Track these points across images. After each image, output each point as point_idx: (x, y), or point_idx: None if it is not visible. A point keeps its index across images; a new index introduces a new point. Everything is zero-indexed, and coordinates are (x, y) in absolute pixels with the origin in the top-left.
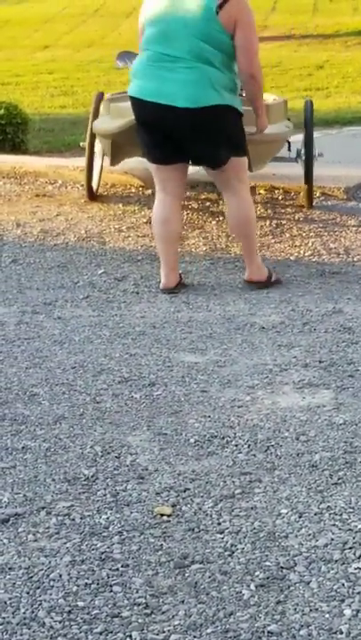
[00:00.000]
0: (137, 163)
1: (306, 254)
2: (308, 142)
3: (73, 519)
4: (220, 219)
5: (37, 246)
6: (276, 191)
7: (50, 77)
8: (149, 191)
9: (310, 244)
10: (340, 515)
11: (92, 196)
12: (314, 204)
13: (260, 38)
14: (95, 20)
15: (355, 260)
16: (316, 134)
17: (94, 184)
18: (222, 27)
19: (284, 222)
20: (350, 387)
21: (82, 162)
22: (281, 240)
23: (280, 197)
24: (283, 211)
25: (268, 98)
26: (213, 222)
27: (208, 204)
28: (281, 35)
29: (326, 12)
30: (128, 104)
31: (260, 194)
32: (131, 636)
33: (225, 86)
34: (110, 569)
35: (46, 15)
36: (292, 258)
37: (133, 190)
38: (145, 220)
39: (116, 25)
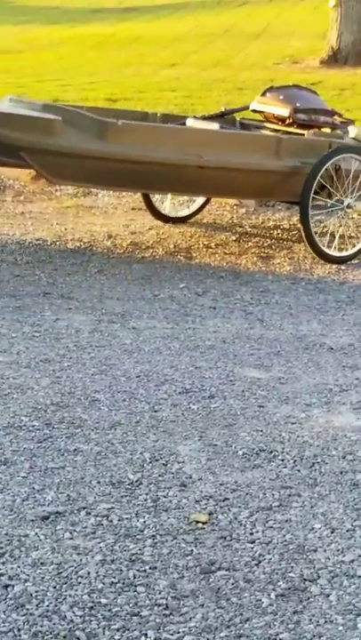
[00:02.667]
0: None
1: None
2: None
3: (111, 520)
4: None
5: (125, 258)
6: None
7: (172, 95)
8: (243, 210)
9: None
10: None
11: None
12: None
13: None
14: (224, 40)
15: None
16: None
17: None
18: None
19: None
20: None
21: None
22: None
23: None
24: None
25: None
26: (301, 244)
27: (300, 225)
28: None
29: None
30: None
31: (353, 218)
32: (146, 635)
33: None
34: (138, 570)
35: (176, 33)
36: None
37: (228, 208)
38: (234, 239)
39: (244, 46)
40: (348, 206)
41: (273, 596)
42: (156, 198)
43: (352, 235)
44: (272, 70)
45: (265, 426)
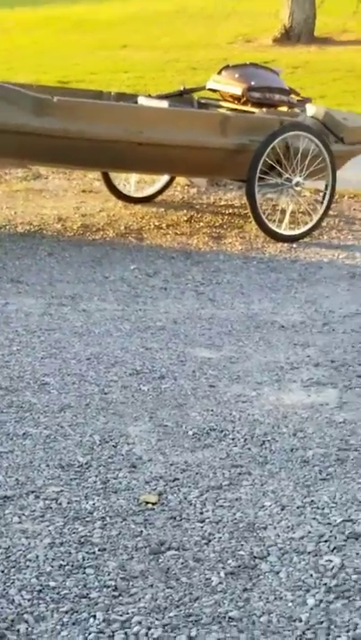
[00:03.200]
0: None
1: (340, 256)
2: None
3: (60, 504)
4: None
5: (75, 241)
6: (320, 194)
7: (125, 76)
8: (194, 190)
9: (347, 247)
10: (322, 509)
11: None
12: (358, 207)
13: (339, 42)
14: (178, 20)
15: None
16: None
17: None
18: None
19: (323, 224)
20: (357, 387)
21: None
22: (318, 242)
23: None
24: None
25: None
26: (253, 222)
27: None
28: (360, 39)
29: None
30: None
31: (304, 196)
32: (95, 617)
33: None
34: (87, 552)
35: (129, 14)
36: (325, 259)
37: (179, 189)
38: (186, 219)
39: (198, 25)
40: (297, 184)
41: (223, 574)
42: (120, 179)
43: (304, 213)
44: (226, 50)
45: (215, 405)
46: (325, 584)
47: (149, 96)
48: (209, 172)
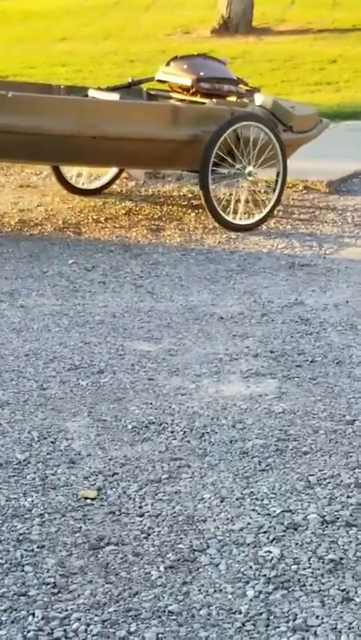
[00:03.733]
0: None
1: (279, 246)
2: None
3: None
4: (199, 211)
5: (13, 236)
6: (258, 184)
7: (63, 70)
8: (133, 183)
9: (285, 237)
10: (262, 500)
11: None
12: (296, 197)
13: (277, 32)
14: (115, 13)
15: (326, 252)
16: None
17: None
18: None
19: None
20: (296, 376)
21: None
22: (257, 233)
23: (262, 190)
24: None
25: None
26: (192, 214)
27: (190, 196)
28: (298, 28)
29: (346, 6)
30: None
31: (242, 186)
32: (34, 614)
33: None
34: (25, 549)
35: (67, 7)
36: (264, 250)
37: (117, 182)
38: (124, 212)
39: (135, 17)
40: (250, 174)
41: (162, 568)
42: (71, 173)
43: (257, 202)
44: (163, 41)
45: (155, 398)
46: (265, 575)
47: (99, 89)
48: (162, 164)
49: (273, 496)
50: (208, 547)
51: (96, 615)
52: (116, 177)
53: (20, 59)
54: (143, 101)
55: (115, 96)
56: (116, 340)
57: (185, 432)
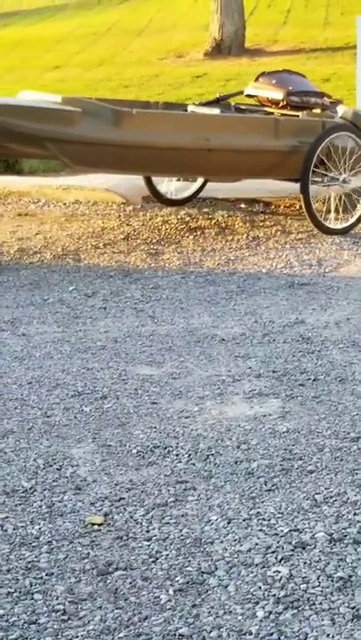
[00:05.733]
0: (119, 180)
1: (278, 266)
2: None
3: (5, 530)
4: (198, 233)
5: (12, 265)
6: (256, 205)
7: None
8: (130, 208)
9: (284, 257)
10: (269, 520)
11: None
12: (293, 216)
13: (269, 53)
14: (107, 39)
15: (326, 270)
16: None
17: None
18: None
19: (260, 235)
20: (299, 395)
21: (65, 180)
22: (256, 253)
23: (260, 211)
24: (261, 224)
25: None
26: (190, 237)
27: (188, 219)
28: (291, 49)
29: (338, 25)
30: None
31: (240, 208)
32: None
33: None
34: (34, 577)
35: (59, 35)
36: (263, 270)
37: (115, 207)
38: (123, 237)
39: (128, 43)
40: (345, 181)
41: (171, 591)
42: (162, 184)
43: (349, 208)
44: (157, 66)
45: (158, 422)
46: (274, 595)
47: (194, 104)
48: (264, 173)
49: (280, 516)
50: (216, 568)
51: None
52: (201, 189)
53: (12, 87)
54: (250, 115)
55: (216, 111)
56: (118, 365)
57: (190, 455)
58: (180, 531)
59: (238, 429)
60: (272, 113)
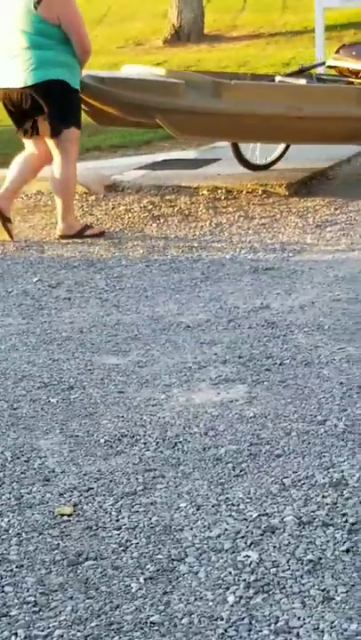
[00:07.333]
0: (81, 170)
1: (242, 252)
2: None
3: None
4: (161, 221)
5: None
6: (218, 191)
7: None
8: (93, 197)
9: (247, 242)
10: (238, 505)
11: None
12: (256, 201)
13: (229, 38)
14: None
15: (289, 255)
16: None
17: None
18: (43, 19)
19: (224, 222)
20: (266, 380)
21: None
22: (219, 239)
23: (223, 197)
24: (224, 210)
25: None
26: (154, 225)
27: (150, 207)
28: (250, 34)
29: (296, 9)
30: None
31: (202, 194)
32: (16, 634)
33: (55, 64)
34: (4, 570)
35: None
36: (227, 256)
37: (77, 197)
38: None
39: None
40: None
41: (142, 580)
42: (247, 150)
43: None
44: (117, 54)
45: (126, 411)
46: (245, 580)
47: (281, 75)
48: (350, 139)
49: (249, 501)
50: (187, 555)
51: (78, 631)
52: (282, 155)
53: None
54: (336, 85)
55: (302, 81)
56: (84, 356)
57: (158, 443)
58: (150, 519)
59: (205, 416)
60: (352, 83)
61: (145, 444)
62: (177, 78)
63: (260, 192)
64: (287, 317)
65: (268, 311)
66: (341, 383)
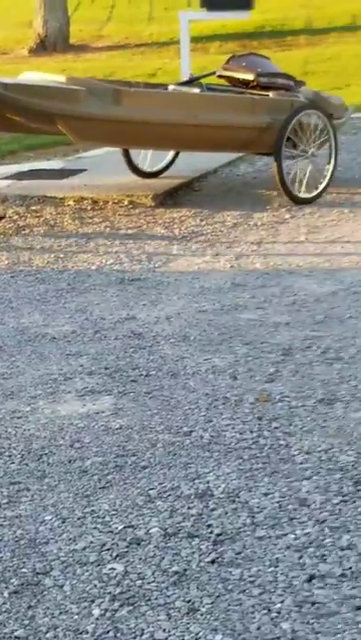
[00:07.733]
0: None
1: (108, 263)
2: None
3: None
4: (26, 231)
5: None
6: (85, 201)
7: None
8: None
9: (114, 253)
10: (103, 517)
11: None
12: (122, 212)
13: (95, 48)
14: None
15: (155, 266)
16: None
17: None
18: None
19: (90, 232)
20: (132, 391)
21: None
22: (85, 250)
23: (89, 208)
24: (90, 221)
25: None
26: (19, 236)
27: (16, 217)
28: (115, 44)
29: (162, 21)
30: None
31: (68, 205)
32: None
33: None
34: None
35: None
36: (93, 267)
37: None
38: None
39: None
40: (313, 155)
41: (6, 594)
42: (138, 158)
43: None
44: None
45: None
46: (110, 592)
47: (175, 84)
48: (242, 148)
49: (114, 513)
50: (52, 569)
51: None
52: (172, 162)
53: None
54: (233, 94)
55: (195, 90)
56: None
57: (23, 455)
58: (15, 532)
59: (71, 428)
60: (243, 92)
61: (10, 456)
62: (78, 85)
63: (126, 203)
64: (153, 328)
65: (134, 322)
66: (207, 394)
